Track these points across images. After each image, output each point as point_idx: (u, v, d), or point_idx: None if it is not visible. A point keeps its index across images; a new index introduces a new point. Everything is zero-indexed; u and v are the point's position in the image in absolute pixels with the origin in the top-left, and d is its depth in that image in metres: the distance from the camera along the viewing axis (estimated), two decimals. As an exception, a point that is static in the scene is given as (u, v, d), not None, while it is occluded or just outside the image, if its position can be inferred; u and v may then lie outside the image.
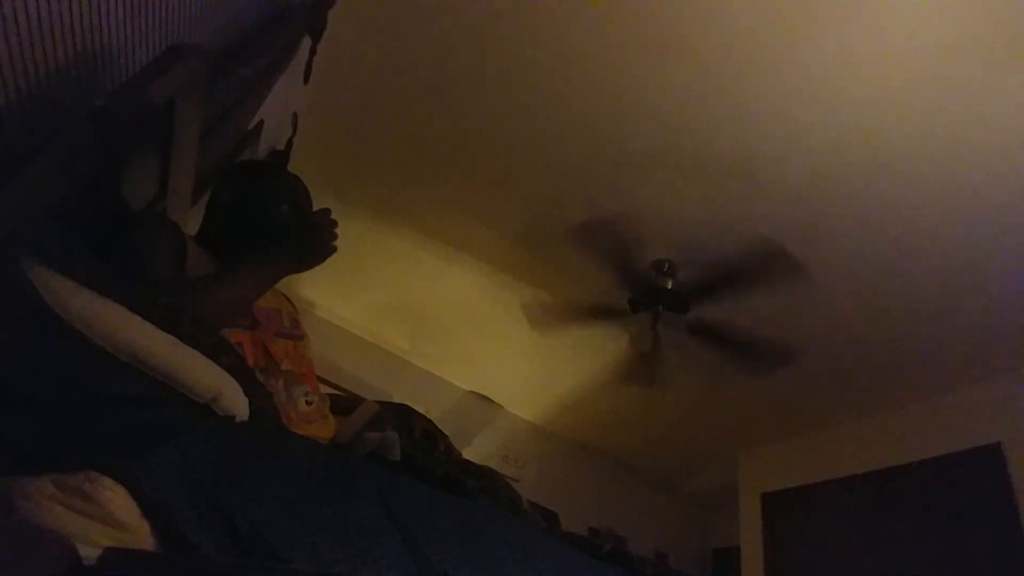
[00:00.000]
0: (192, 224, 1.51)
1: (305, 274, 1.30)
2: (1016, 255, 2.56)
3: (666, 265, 3.12)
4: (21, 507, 0.63)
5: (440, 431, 1.61)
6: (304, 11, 1.93)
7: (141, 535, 0.65)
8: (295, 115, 2.63)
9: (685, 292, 3.06)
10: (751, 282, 2.88)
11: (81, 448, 0.69)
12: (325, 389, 1.54)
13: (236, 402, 0.94)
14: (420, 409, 1.71)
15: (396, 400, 1.83)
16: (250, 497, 0.73)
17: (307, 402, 1.34)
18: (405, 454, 1.25)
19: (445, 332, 4.51)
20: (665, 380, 3.52)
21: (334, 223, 1.26)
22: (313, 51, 2.16)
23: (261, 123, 2.06)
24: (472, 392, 4.91)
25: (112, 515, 0.64)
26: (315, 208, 1.36)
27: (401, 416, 1.57)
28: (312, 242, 1.25)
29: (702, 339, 3.22)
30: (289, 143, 2.63)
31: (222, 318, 1.15)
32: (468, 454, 1.77)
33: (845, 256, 2.83)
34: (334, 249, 1.27)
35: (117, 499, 0.65)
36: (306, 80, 2.29)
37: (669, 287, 3.10)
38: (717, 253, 2.96)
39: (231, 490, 0.72)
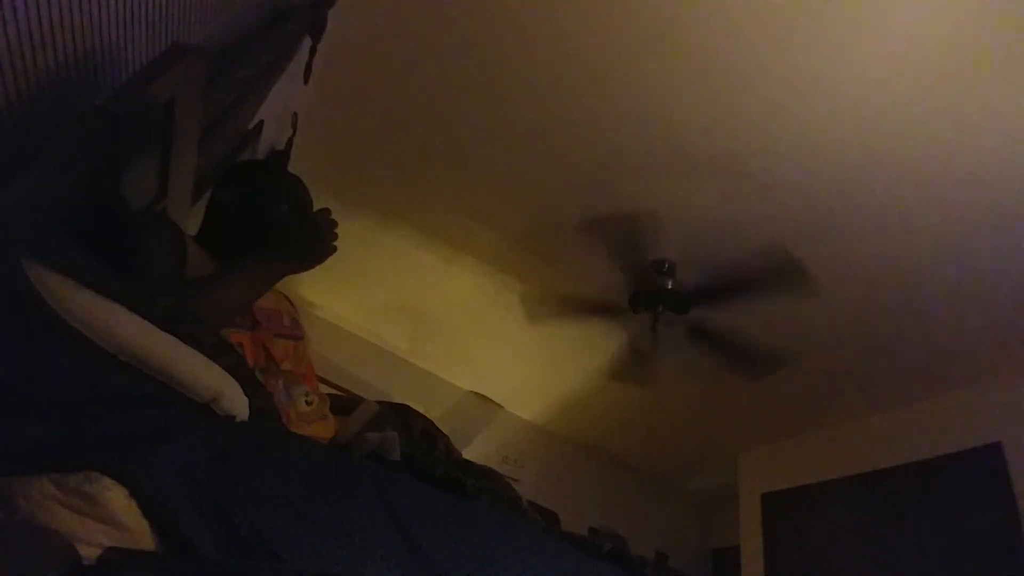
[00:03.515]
0: (192, 224, 1.51)
1: (305, 274, 1.29)
2: (1016, 254, 2.55)
3: (666, 265, 3.12)
4: (21, 507, 0.63)
5: (440, 431, 1.61)
6: (304, 11, 1.92)
7: (141, 535, 0.65)
8: (295, 115, 2.63)
9: (686, 294, 3.06)
10: (757, 289, 2.88)
11: (81, 448, 0.69)
12: (325, 389, 1.55)
13: (236, 402, 0.94)
14: (420, 409, 1.71)
15: (396, 400, 1.83)
16: (250, 497, 0.73)
17: (307, 402, 1.34)
18: (405, 454, 1.25)
19: (445, 332, 4.51)
20: (658, 378, 3.51)
21: (334, 223, 1.26)
22: (313, 51, 2.16)
23: (261, 123, 2.06)
24: (472, 392, 4.91)
25: (112, 515, 0.64)
26: (315, 208, 1.36)
27: (401, 416, 1.57)
28: (312, 242, 1.25)
29: (699, 341, 3.22)
30: (289, 143, 2.63)
31: (222, 318, 1.15)
32: (468, 454, 1.77)
33: (845, 256, 2.83)
34: (334, 249, 1.27)
35: (117, 499, 0.65)
36: (306, 80, 2.29)
37: (669, 287, 3.10)
38: (718, 253, 2.96)
39: (231, 490, 0.72)
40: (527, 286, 3.69)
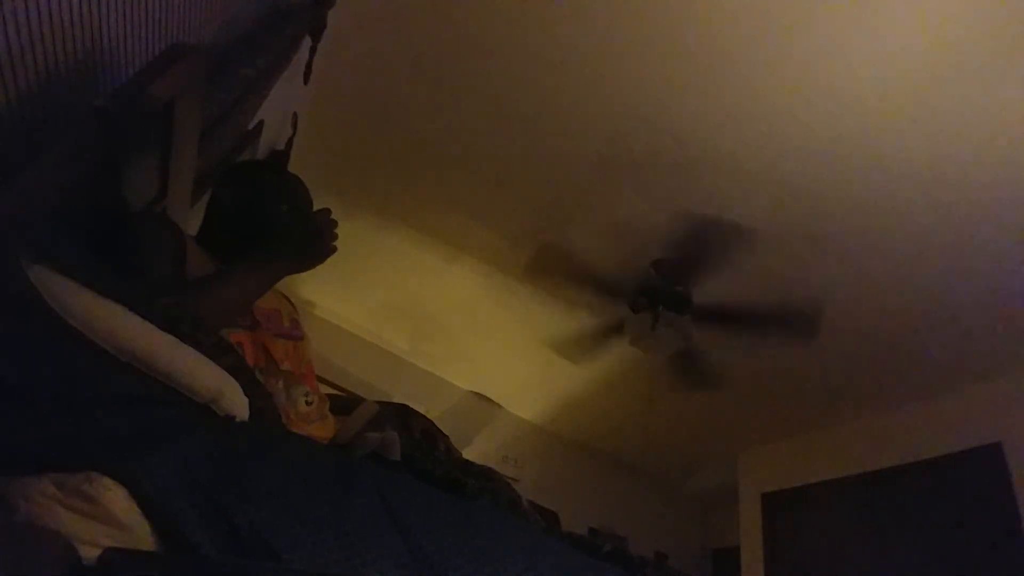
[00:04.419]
0: (192, 224, 1.51)
1: (305, 274, 1.29)
2: (1017, 254, 2.55)
3: (666, 265, 3.11)
4: (21, 507, 0.63)
5: (440, 431, 1.61)
6: (304, 11, 1.92)
7: (141, 535, 0.65)
8: (295, 115, 2.63)
9: (675, 285, 3.05)
10: (710, 261, 2.88)
11: (81, 448, 0.69)
12: (325, 389, 1.55)
13: (236, 402, 0.94)
14: (420, 409, 1.71)
15: (396, 400, 1.83)
16: (250, 497, 0.72)
17: (307, 402, 1.34)
18: (405, 454, 1.25)
19: (445, 332, 4.51)
20: (718, 376, 3.47)
21: (334, 223, 1.26)
22: (313, 51, 2.16)
23: (261, 123, 2.06)
24: (472, 392, 4.91)
25: (112, 515, 0.64)
26: (315, 208, 1.36)
27: (401, 416, 1.57)
28: (312, 242, 1.25)
29: (723, 326, 3.12)
30: (289, 143, 2.63)
31: (222, 318, 1.15)
32: (468, 454, 1.77)
33: (843, 256, 2.83)
34: (334, 249, 1.27)
35: (117, 499, 0.65)
36: (306, 80, 2.29)
37: (670, 287, 3.09)
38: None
39: (231, 490, 0.72)
40: (530, 296, 3.71)
